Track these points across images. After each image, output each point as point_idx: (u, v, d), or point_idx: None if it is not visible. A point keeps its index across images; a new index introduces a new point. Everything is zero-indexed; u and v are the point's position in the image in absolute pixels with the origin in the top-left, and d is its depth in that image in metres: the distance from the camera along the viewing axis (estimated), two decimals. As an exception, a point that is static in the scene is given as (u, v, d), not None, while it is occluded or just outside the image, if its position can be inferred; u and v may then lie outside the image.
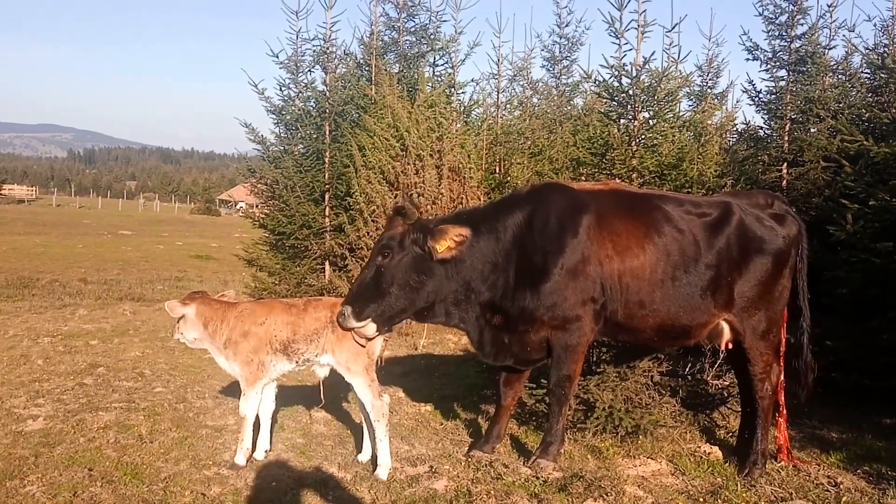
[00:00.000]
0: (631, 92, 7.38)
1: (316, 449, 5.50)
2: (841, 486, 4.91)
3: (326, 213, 11.94)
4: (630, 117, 7.53)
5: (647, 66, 7.46)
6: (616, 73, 7.53)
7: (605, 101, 8.12)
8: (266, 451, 5.24)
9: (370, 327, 4.85)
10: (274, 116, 12.63)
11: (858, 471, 5.29)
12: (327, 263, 11.75)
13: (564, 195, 5.19)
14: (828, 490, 4.88)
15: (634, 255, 4.97)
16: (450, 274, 4.96)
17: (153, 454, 5.12)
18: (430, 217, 7.27)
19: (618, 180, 6.77)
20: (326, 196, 11.98)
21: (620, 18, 7.61)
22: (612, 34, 7.72)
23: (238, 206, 66.16)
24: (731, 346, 5.38)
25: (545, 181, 7.99)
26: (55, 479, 4.61)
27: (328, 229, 11.79)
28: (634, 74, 7.36)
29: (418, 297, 4.94)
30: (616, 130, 7.57)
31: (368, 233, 9.91)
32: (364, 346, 4.92)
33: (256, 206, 16.70)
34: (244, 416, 5.00)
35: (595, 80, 8.34)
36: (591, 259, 4.92)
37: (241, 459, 4.96)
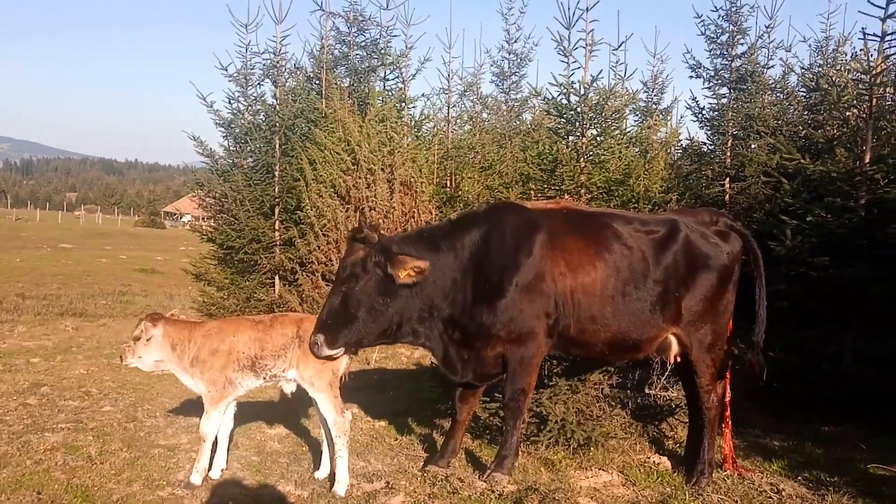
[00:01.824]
0: (579, 109, 7.55)
1: (271, 466, 5.46)
2: (783, 493, 5.10)
3: (276, 227, 11.88)
4: (578, 134, 7.70)
5: (594, 84, 7.64)
6: (564, 90, 7.69)
7: (553, 118, 8.29)
8: (222, 470, 5.18)
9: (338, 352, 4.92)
10: (223, 129, 12.56)
11: (799, 478, 5.49)
12: (277, 278, 11.67)
13: (519, 214, 5.30)
14: (770, 497, 5.07)
15: (586, 271, 5.10)
16: (414, 292, 5.03)
17: (104, 475, 5.01)
18: (386, 233, 7.30)
19: (567, 197, 6.91)
20: (276, 210, 11.93)
21: (569, 37, 7.81)
22: (561, 52, 7.90)
23: (184, 219, 64.99)
24: (678, 359, 5.53)
25: (502, 201, 8.10)
26: (2, 503, 4.49)
27: (278, 243, 11.73)
28: (582, 92, 7.53)
29: (385, 319, 5.01)
30: (565, 147, 7.73)
31: (319, 247, 9.88)
32: (332, 359, 4.95)
33: (203, 219, 16.48)
34: (204, 435, 4.92)
35: (544, 97, 8.51)
36: (544, 276, 5.04)
37: (196, 479, 4.89)
